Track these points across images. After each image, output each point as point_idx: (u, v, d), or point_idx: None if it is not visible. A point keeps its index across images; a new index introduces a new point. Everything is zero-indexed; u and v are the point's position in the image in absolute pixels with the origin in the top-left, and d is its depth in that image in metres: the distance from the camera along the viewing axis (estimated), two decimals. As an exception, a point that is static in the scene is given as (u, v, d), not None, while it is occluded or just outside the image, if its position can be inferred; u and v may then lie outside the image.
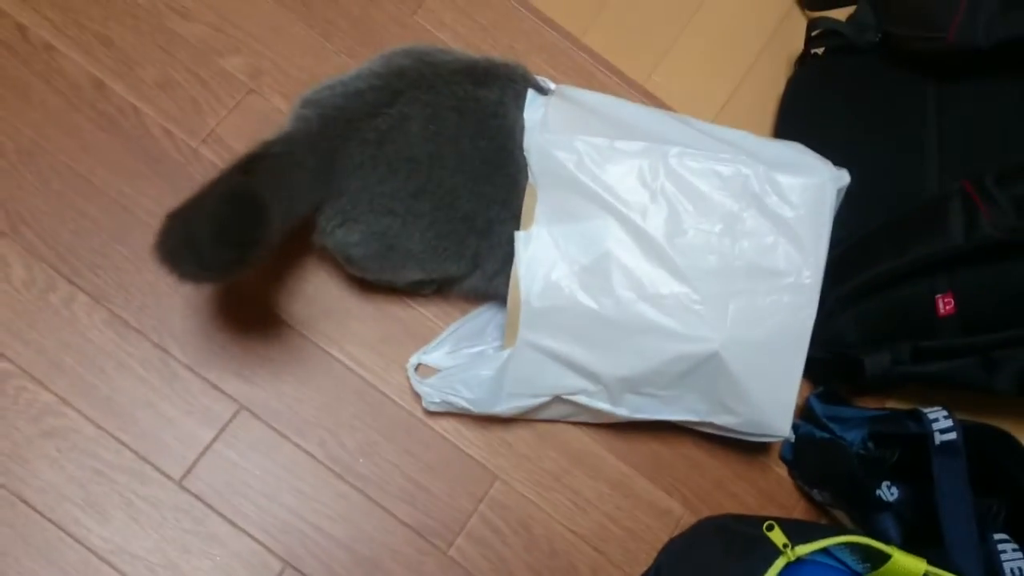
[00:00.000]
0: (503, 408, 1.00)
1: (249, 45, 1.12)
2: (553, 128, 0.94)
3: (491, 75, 0.96)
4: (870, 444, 1.02)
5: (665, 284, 0.92)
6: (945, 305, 0.99)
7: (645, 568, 1.05)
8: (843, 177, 0.96)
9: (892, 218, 1.05)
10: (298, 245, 0.99)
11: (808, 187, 0.94)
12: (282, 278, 1.06)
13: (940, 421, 0.94)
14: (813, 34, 1.20)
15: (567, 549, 1.05)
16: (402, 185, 0.91)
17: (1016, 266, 0.96)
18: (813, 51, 1.22)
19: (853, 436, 1.02)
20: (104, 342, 1.01)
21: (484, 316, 1.09)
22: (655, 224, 0.93)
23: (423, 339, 1.07)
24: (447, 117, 0.92)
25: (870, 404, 1.12)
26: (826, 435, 1.04)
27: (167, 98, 1.09)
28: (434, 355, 1.07)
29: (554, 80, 1.17)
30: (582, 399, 0.99)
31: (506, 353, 0.96)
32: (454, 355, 1.07)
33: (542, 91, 0.99)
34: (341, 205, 0.91)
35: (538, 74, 1.17)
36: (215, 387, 1.02)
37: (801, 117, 1.20)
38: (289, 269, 1.06)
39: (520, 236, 0.94)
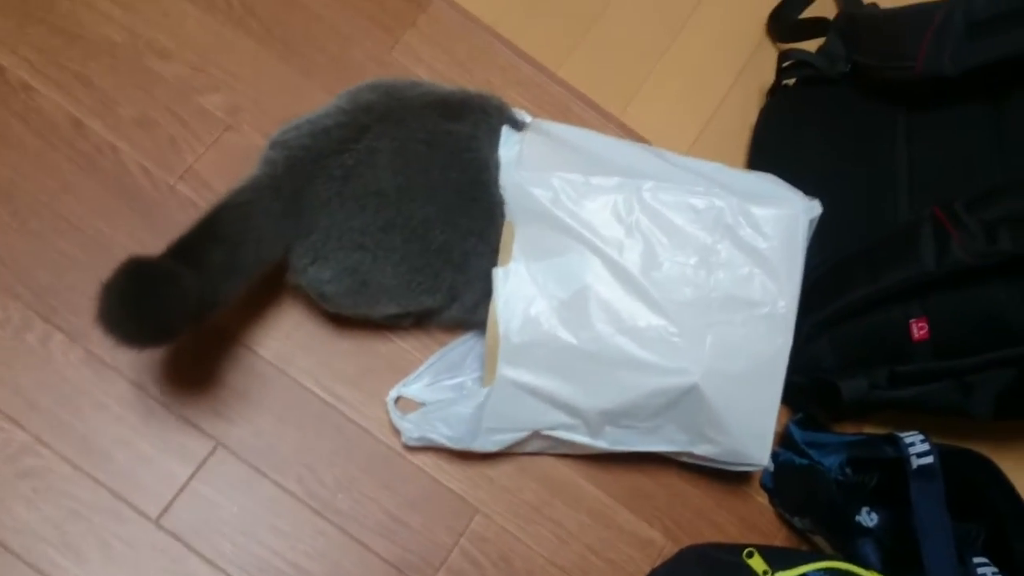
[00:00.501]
0: (482, 444, 1.00)
1: (228, 83, 1.13)
2: (528, 165, 0.95)
3: (464, 108, 0.96)
4: (848, 470, 1.02)
5: (643, 317, 0.93)
6: (919, 330, 1.00)
7: (628, 600, 1.05)
8: (815, 208, 0.97)
9: (865, 245, 1.05)
10: (275, 281, 0.99)
11: (781, 218, 0.95)
12: (260, 313, 1.06)
13: (917, 445, 0.94)
14: (784, 65, 1.22)
15: (549, 582, 1.04)
16: (371, 219, 0.91)
17: (987, 291, 0.97)
18: (784, 82, 1.23)
19: (831, 462, 1.02)
20: (80, 380, 1.00)
21: (463, 347, 1.09)
22: (631, 258, 0.93)
23: (403, 372, 1.07)
24: (416, 150, 0.93)
25: (849, 430, 1.12)
26: (805, 461, 1.04)
27: (145, 136, 1.09)
28: (413, 387, 1.07)
29: (531, 113, 1.18)
30: (562, 434, 0.99)
31: (485, 390, 0.96)
32: (433, 387, 1.07)
33: (517, 124, 1.00)
34: (311, 243, 0.91)
35: (515, 107, 1.18)
36: (192, 424, 1.01)
37: (773, 147, 1.22)
38: (266, 304, 1.06)
39: (498, 272, 0.94)
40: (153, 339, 0.82)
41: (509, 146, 0.96)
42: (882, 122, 1.12)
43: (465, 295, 0.99)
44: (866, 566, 0.86)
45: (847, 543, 0.99)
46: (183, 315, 0.81)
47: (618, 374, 0.94)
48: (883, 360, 1.02)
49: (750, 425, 0.97)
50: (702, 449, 0.99)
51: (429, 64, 1.21)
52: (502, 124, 0.98)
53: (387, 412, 1.05)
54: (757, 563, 0.85)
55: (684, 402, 0.94)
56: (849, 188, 1.11)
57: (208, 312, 0.85)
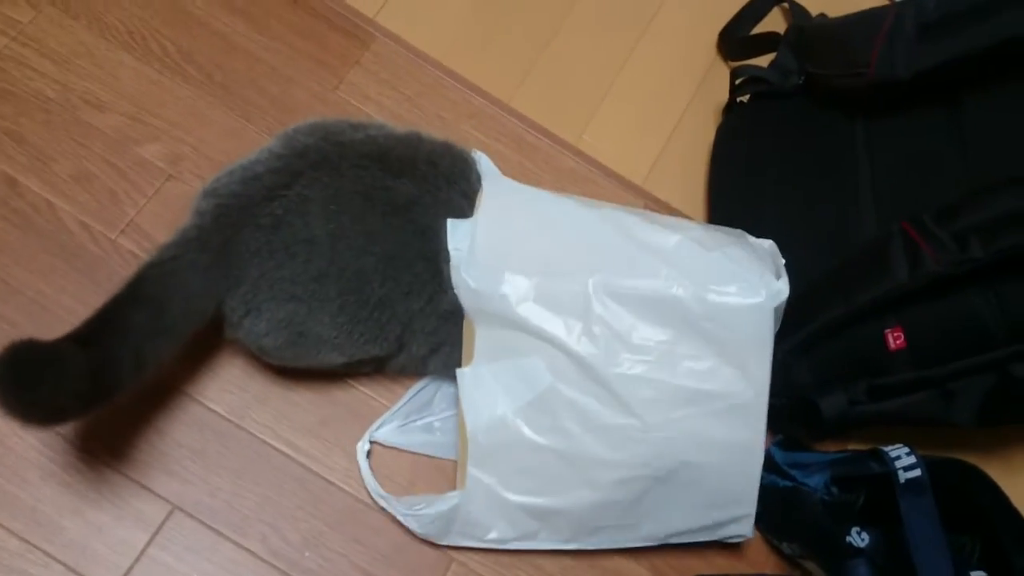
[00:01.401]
0: (453, 541, 0.98)
1: (167, 132, 1.10)
2: (480, 262, 0.90)
3: (407, 164, 0.92)
4: (834, 489, 0.98)
5: (610, 415, 0.90)
6: (895, 339, 0.97)
7: (616, 643, 1.00)
8: (781, 292, 0.92)
9: (835, 265, 1.03)
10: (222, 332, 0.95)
11: (744, 308, 0.91)
12: (211, 367, 1.01)
13: (903, 458, 0.91)
14: (737, 82, 1.21)
15: (532, 629, 0.99)
16: (302, 269, 0.88)
17: (961, 298, 0.95)
18: (739, 99, 1.22)
19: (816, 482, 0.98)
20: (25, 449, 0.95)
21: (431, 387, 1.05)
22: (592, 355, 0.89)
23: (365, 418, 1.03)
24: (351, 200, 0.89)
25: (831, 449, 1.08)
26: (788, 483, 1.00)
27: (83, 191, 1.05)
28: (383, 431, 1.02)
29: (486, 147, 1.16)
30: (532, 545, 0.97)
31: (456, 495, 0.94)
32: (405, 428, 1.03)
33: (469, 191, 0.95)
34: (242, 294, 0.88)
35: (468, 141, 1.17)
36: (145, 488, 0.96)
37: (732, 165, 1.20)
38: (217, 357, 1.02)
39: (462, 374, 0.92)
40: (46, 421, 0.80)
41: (458, 240, 0.91)
42: (840, 132, 1.11)
43: (414, 346, 0.95)
44: (861, 588, 0.83)
45: (839, 566, 0.95)
46: (73, 396, 0.77)
47: (589, 473, 0.92)
48: (861, 374, 1.00)
49: (729, 509, 0.96)
50: (682, 538, 0.98)
51: (377, 101, 1.18)
52: (452, 184, 0.94)
53: (354, 462, 1.00)
54: (748, 593, 0.81)
55: (657, 496, 0.93)
56: (813, 204, 1.09)
57: (129, 382, 0.82)
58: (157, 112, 1.10)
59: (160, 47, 1.13)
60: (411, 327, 0.93)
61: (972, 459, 0.96)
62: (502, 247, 0.92)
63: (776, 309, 0.92)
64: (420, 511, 0.96)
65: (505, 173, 1.01)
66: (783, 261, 0.95)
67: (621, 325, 0.89)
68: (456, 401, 1.01)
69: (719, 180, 1.20)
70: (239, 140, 1.11)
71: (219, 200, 0.88)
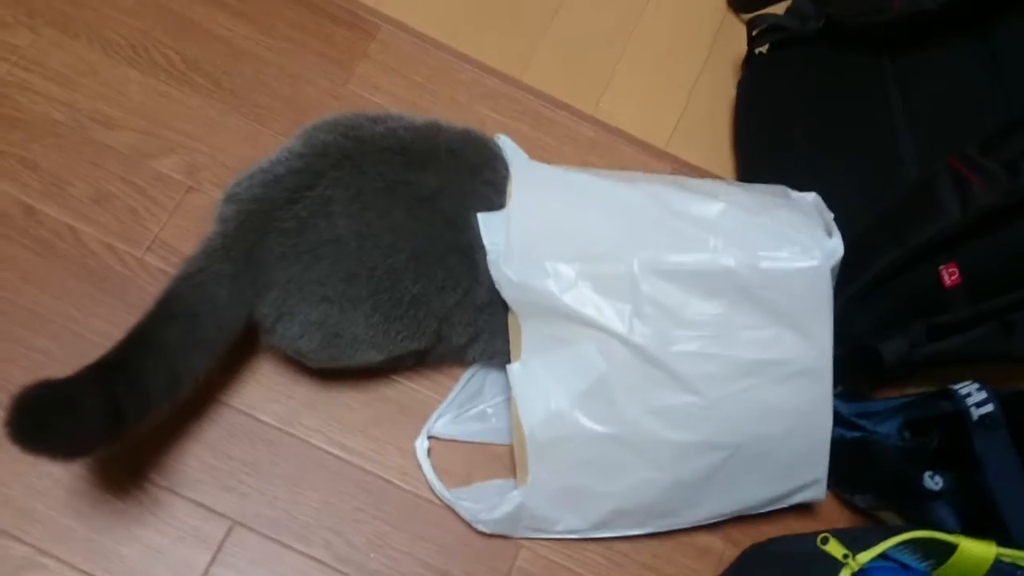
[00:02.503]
0: (523, 534, 0.97)
1: (182, 143, 1.07)
2: (519, 254, 0.87)
3: (429, 155, 0.90)
4: (906, 434, 0.96)
5: (669, 395, 0.87)
6: (950, 276, 0.95)
7: (695, 614, 0.98)
8: (836, 251, 0.89)
9: (883, 211, 1.00)
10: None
11: (800, 273, 0.87)
12: (253, 376, 0.99)
13: (974, 395, 0.89)
14: (754, 33, 1.18)
15: (609, 609, 0.97)
16: (330, 270, 0.85)
17: (1015, 226, 0.92)
18: (757, 50, 1.19)
19: (887, 429, 0.96)
20: (72, 480, 0.92)
21: (479, 376, 1.03)
22: (645, 336, 0.86)
23: (415, 413, 1.00)
24: (375, 197, 0.87)
25: (892, 395, 1.06)
26: (857, 434, 0.98)
27: (103, 212, 1.03)
28: (439, 425, 1.00)
29: (503, 126, 1.14)
30: (604, 533, 0.95)
31: (519, 494, 0.91)
32: (459, 420, 1.01)
33: (495, 179, 0.92)
34: (272, 300, 0.86)
35: (484, 122, 1.14)
36: (202, 506, 0.93)
37: (758, 119, 1.17)
38: (258, 366, 1.00)
39: (512, 371, 0.90)
40: (70, 459, 0.80)
41: (492, 234, 0.88)
42: (868, 73, 1.07)
43: (451, 337, 0.93)
44: (946, 531, 0.80)
45: (919, 510, 0.93)
46: (91, 435, 0.77)
47: (654, 456, 0.89)
48: (918, 315, 0.97)
49: (800, 475, 0.94)
50: (754, 511, 0.97)
51: (388, 91, 1.15)
52: (476, 173, 0.91)
53: (409, 459, 0.98)
54: (834, 548, 0.78)
55: (730, 474, 0.91)
56: (849, 150, 1.06)
57: (165, 400, 0.82)
58: (169, 124, 1.07)
59: (164, 58, 1.10)
60: (448, 320, 0.91)
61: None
62: (540, 236, 0.89)
63: (833, 268, 0.89)
64: (485, 516, 0.94)
65: (526, 151, 0.98)
66: (831, 215, 0.92)
67: (672, 302, 0.87)
68: (505, 386, 1.00)
69: (746, 136, 1.17)
70: (255, 144, 1.08)
71: (241, 205, 0.86)
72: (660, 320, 0.86)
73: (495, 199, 0.91)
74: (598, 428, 0.88)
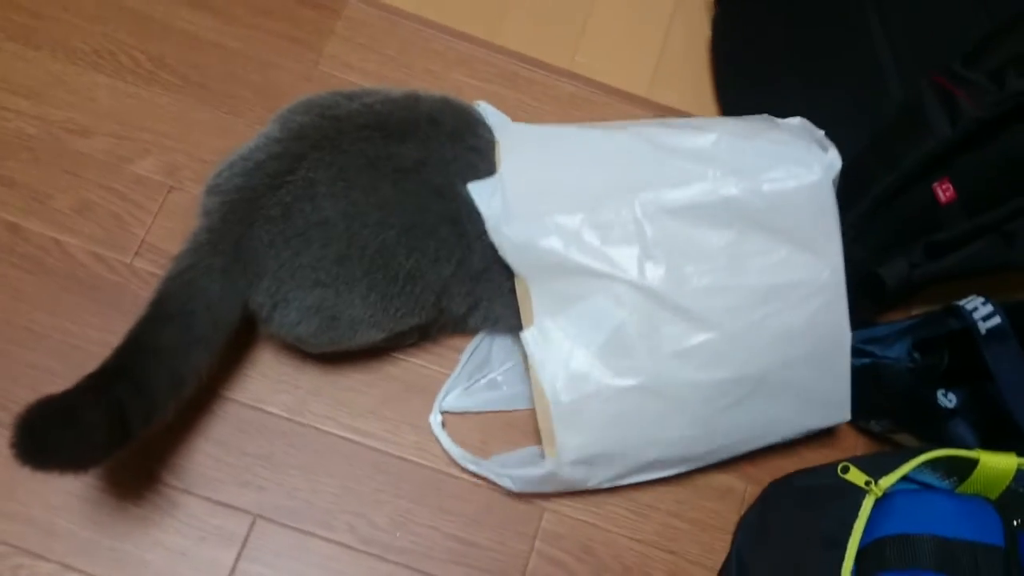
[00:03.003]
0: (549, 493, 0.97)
1: (158, 144, 1.06)
2: (518, 214, 0.85)
3: (408, 126, 0.89)
4: (916, 355, 0.95)
5: (690, 335, 0.86)
6: (944, 192, 0.94)
7: (724, 556, 0.98)
8: (834, 163, 0.87)
9: (872, 137, 0.98)
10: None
11: (802, 190, 0.86)
12: (257, 369, 0.98)
13: (980, 309, 0.88)
14: (722, -34, 1.16)
15: (638, 561, 0.97)
16: (320, 253, 0.84)
17: (1006, 137, 0.91)
18: (728, -16, 1.17)
19: (897, 352, 0.96)
20: (88, 491, 0.92)
21: (484, 344, 1.02)
22: (657, 279, 0.85)
23: (424, 389, 1.00)
24: (358, 173, 0.86)
25: (897, 319, 1.06)
26: (867, 360, 0.98)
27: (87, 222, 1.02)
28: (451, 399, 1.00)
29: (481, 90, 1.13)
30: (636, 479, 0.95)
31: (551, 462, 0.90)
32: (470, 391, 1.01)
33: (477, 144, 0.91)
34: (266, 288, 0.85)
35: (462, 89, 1.12)
36: (221, 504, 0.93)
37: (736, 55, 1.15)
38: (260, 359, 0.99)
39: (527, 336, 0.87)
40: (78, 471, 0.78)
41: (486, 199, 0.87)
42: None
43: (451, 308, 0.92)
44: (965, 447, 0.80)
45: (936, 429, 0.93)
46: (94, 447, 0.77)
47: (682, 401, 0.88)
48: (916, 236, 0.96)
49: (827, 395, 0.93)
50: (785, 435, 0.95)
51: (361, 68, 1.14)
52: (457, 140, 0.90)
53: (423, 435, 0.98)
54: (856, 476, 0.78)
55: (754, 403, 0.89)
56: (831, 77, 1.05)
57: (169, 402, 0.82)
58: (143, 126, 1.06)
59: (131, 59, 1.09)
60: (447, 291, 0.90)
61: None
62: (536, 194, 0.87)
63: (834, 181, 0.88)
64: (515, 472, 0.93)
65: (507, 114, 0.97)
66: (821, 132, 0.90)
67: (680, 240, 0.85)
68: (513, 352, 0.99)
69: (726, 73, 1.16)
70: (231, 136, 1.07)
71: (224, 197, 0.85)
72: (670, 260, 0.85)
73: (480, 165, 0.90)
74: (622, 382, 0.86)
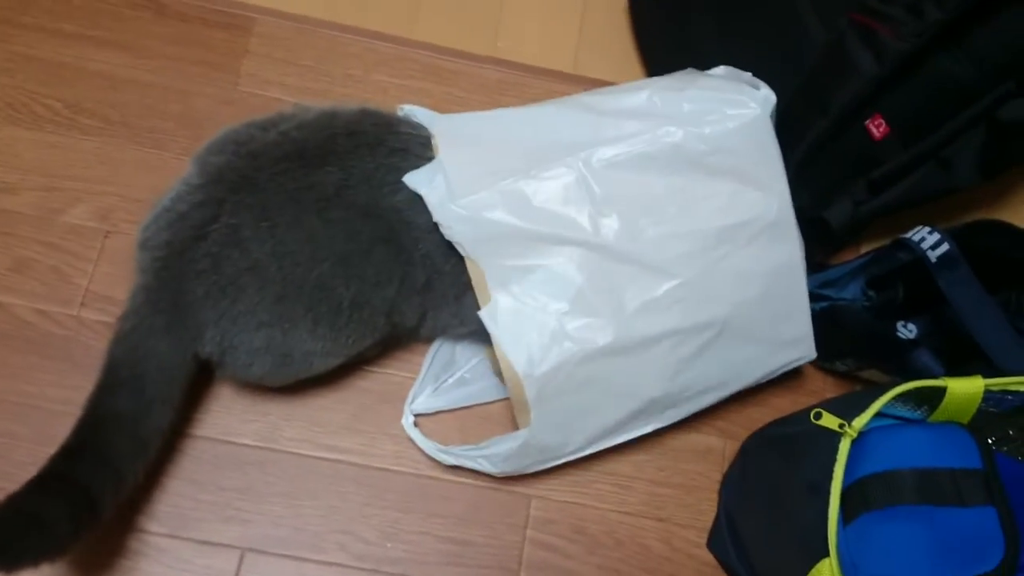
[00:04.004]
0: (533, 468, 0.95)
1: (87, 189, 1.03)
2: (461, 191, 0.84)
3: (327, 153, 0.86)
4: (871, 293, 0.97)
5: (650, 286, 0.86)
6: (878, 128, 0.95)
7: (714, 515, 0.99)
8: (769, 97, 0.88)
9: (799, 83, 0.99)
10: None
11: (743, 128, 0.86)
12: (221, 404, 0.97)
13: (927, 238, 0.90)
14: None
15: (630, 533, 0.98)
16: (258, 297, 0.83)
17: (929, 65, 0.92)
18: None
19: (851, 292, 0.97)
20: (73, 551, 0.90)
21: (447, 345, 1.02)
22: (612, 234, 0.85)
23: (395, 397, 0.99)
24: (281, 210, 0.84)
25: (849, 258, 1.07)
26: (825, 304, 0.99)
27: (27, 279, 0.99)
28: (420, 402, 1.00)
29: (406, 89, 1.12)
30: (613, 442, 0.94)
31: (524, 433, 0.89)
32: (439, 391, 1.01)
33: (397, 144, 0.89)
34: (212, 338, 0.84)
35: (386, 90, 1.11)
36: (207, 543, 0.92)
37: (655, 18, 1.16)
38: (224, 393, 0.98)
39: (485, 314, 0.85)
40: (52, 562, 0.77)
41: (426, 182, 0.85)
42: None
43: (403, 322, 0.92)
44: (931, 376, 0.81)
45: (902, 362, 0.94)
46: (62, 538, 0.76)
47: (649, 355, 0.87)
48: (856, 174, 0.98)
49: (790, 331, 0.93)
50: (752, 379, 0.95)
51: (280, 83, 1.12)
52: (377, 146, 0.88)
53: (400, 443, 0.98)
54: (829, 420, 0.79)
55: (724, 350, 0.90)
56: (752, 30, 1.05)
57: (137, 466, 0.82)
58: (69, 174, 1.04)
59: (46, 108, 1.06)
60: (396, 309, 0.89)
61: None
62: (478, 169, 0.86)
63: (771, 115, 0.88)
64: (489, 451, 0.93)
65: (436, 109, 0.96)
66: (748, 73, 0.91)
67: (628, 192, 0.85)
68: (478, 347, 0.98)
69: (647, 37, 1.16)
70: (160, 171, 1.05)
71: (154, 253, 0.84)
72: (622, 213, 0.85)
73: (404, 165, 0.88)
74: (589, 345, 0.85)
